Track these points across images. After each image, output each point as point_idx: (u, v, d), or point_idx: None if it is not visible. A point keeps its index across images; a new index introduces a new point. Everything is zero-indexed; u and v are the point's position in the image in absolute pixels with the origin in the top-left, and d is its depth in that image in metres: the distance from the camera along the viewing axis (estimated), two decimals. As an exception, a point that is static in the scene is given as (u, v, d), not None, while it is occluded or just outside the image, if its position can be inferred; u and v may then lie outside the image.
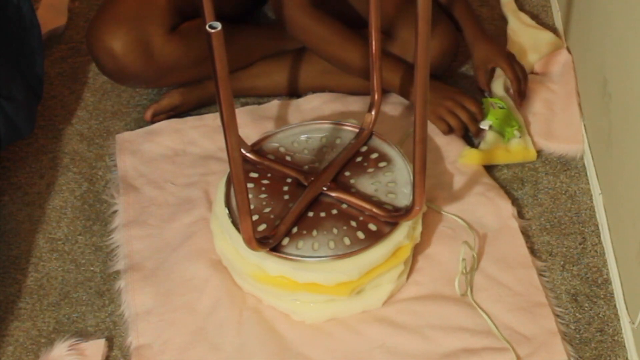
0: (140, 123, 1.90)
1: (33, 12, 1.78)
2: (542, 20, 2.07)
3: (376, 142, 1.67)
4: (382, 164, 1.62)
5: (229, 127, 1.27)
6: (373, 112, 1.68)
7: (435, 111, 1.77)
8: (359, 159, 1.64)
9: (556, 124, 1.83)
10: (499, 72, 1.91)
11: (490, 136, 1.79)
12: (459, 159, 1.76)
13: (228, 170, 1.58)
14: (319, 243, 1.50)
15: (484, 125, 1.80)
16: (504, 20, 2.07)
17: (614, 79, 1.61)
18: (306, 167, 1.63)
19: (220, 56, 1.18)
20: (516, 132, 1.77)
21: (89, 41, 1.77)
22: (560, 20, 2.03)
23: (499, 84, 1.88)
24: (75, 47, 2.05)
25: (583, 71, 1.86)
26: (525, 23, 2.02)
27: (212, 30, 1.16)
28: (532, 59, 1.95)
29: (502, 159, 1.78)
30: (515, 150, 1.78)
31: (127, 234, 1.69)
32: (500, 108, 1.80)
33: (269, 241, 1.49)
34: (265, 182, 1.60)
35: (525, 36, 1.98)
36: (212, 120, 1.87)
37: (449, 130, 1.78)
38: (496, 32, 2.05)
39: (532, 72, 1.94)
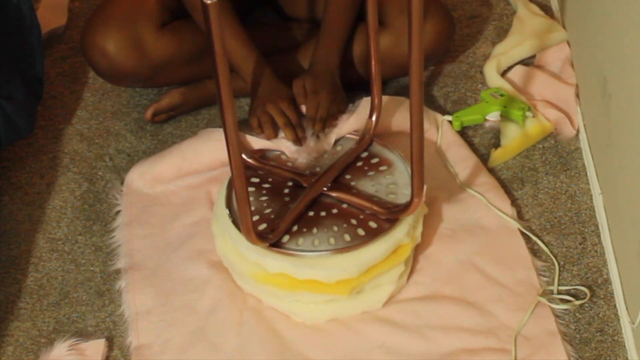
0: (140, 123, 1.90)
1: (33, 12, 1.78)
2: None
3: (377, 148, 1.67)
4: (382, 168, 1.63)
5: (227, 107, 1.24)
6: (374, 118, 1.68)
7: (254, 112, 1.70)
8: (359, 163, 1.64)
9: (552, 100, 1.86)
10: (494, 52, 1.93)
11: (505, 129, 1.79)
12: (489, 164, 1.77)
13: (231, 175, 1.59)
14: (319, 240, 1.50)
15: (493, 117, 1.81)
16: (502, 20, 2.07)
17: (614, 79, 1.61)
18: (307, 171, 1.63)
19: (217, 30, 1.14)
20: (528, 113, 1.79)
21: (83, 45, 1.78)
22: (560, 19, 2.03)
23: (492, 66, 1.90)
24: (75, 47, 2.05)
25: (583, 71, 1.86)
26: (533, 12, 2.02)
27: (209, 2, 1.11)
28: (533, 44, 1.95)
29: (525, 144, 1.79)
30: (533, 131, 1.79)
31: (128, 232, 1.69)
32: (501, 96, 1.82)
33: (269, 236, 1.49)
34: (266, 186, 1.61)
35: (530, 24, 1.99)
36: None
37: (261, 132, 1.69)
38: (495, 31, 2.05)
39: (534, 65, 1.94)
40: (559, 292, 1.58)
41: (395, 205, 1.54)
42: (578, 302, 1.57)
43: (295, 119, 1.68)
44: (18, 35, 1.76)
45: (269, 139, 1.67)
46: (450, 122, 1.84)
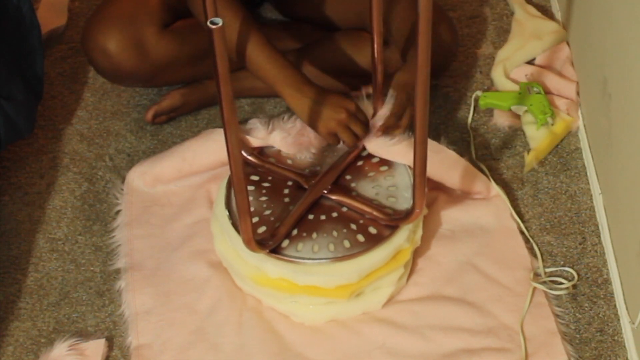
0: (140, 123, 1.90)
1: (33, 12, 1.78)
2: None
3: None
4: (383, 168, 1.62)
5: (229, 123, 1.26)
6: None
7: (326, 125, 1.58)
8: (360, 163, 1.63)
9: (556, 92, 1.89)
10: (498, 58, 1.93)
11: (530, 131, 1.80)
12: (524, 170, 1.77)
13: (229, 174, 1.59)
14: (318, 245, 1.50)
15: (519, 110, 1.81)
16: (502, 20, 2.07)
17: (614, 78, 1.61)
18: (307, 170, 1.63)
19: (221, 52, 1.17)
20: (549, 119, 1.79)
21: (84, 43, 1.78)
22: (560, 20, 2.03)
23: (500, 72, 1.90)
24: (75, 47, 2.05)
25: (583, 71, 1.86)
26: (531, 14, 2.02)
27: (213, 27, 1.14)
28: (534, 47, 1.95)
29: (554, 143, 1.80)
30: (559, 128, 1.80)
31: (128, 232, 1.69)
32: (537, 93, 1.83)
33: (269, 243, 1.49)
34: (266, 184, 1.60)
35: (529, 26, 1.99)
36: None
37: (339, 142, 1.61)
38: (495, 31, 2.05)
39: (533, 64, 1.94)
40: (559, 292, 1.59)
41: (396, 211, 1.54)
42: (570, 284, 1.58)
43: (364, 118, 1.61)
44: (18, 35, 1.76)
45: (350, 146, 1.60)
46: (477, 99, 1.87)
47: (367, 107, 1.65)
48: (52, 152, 1.86)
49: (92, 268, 1.67)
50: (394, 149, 1.60)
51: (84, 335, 1.57)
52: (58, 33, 2.09)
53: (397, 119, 1.62)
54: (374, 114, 1.64)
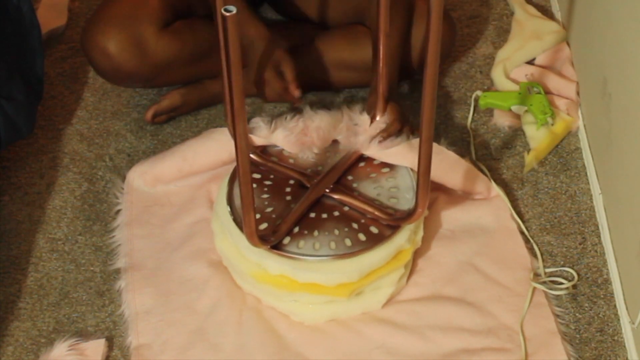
0: (140, 123, 1.90)
1: (33, 12, 1.78)
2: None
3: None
4: (384, 170, 1.62)
5: (239, 113, 1.24)
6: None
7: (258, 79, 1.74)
8: (362, 164, 1.64)
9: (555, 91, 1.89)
10: (498, 58, 1.93)
11: (530, 131, 1.81)
12: (524, 170, 1.77)
13: (231, 172, 1.59)
14: (320, 243, 1.50)
15: (519, 110, 1.82)
16: (502, 20, 2.07)
17: (614, 78, 1.61)
18: (309, 170, 1.63)
19: (235, 41, 1.15)
20: (549, 119, 1.79)
21: (84, 44, 1.78)
22: (560, 20, 2.03)
23: (500, 72, 1.90)
24: (75, 47, 2.05)
25: (583, 71, 1.86)
26: (531, 14, 2.03)
27: (228, 14, 1.12)
28: (534, 47, 1.95)
29: (554, 143, 1.80)
30: (558, 128, 1.80)
31: (128, 232, 1.69)
32: (537, 93, 1.83)
33: (270, 239, 1.49)
34: (267, 183, 1.61)
35: (529, 26, 1.99)
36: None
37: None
38: (495, 31, 2.05)
39: (533, 64, 1.94)
40: (559, 292, 1.59)
41: (397, 211, 1.54)
42: (570, 284, 1.58)
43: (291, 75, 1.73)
44: (18, 35, 1.76)
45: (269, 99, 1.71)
46: (476, 99, 1.88)
47: (362, 119, 1.65)
48: (52, 152, 1.86)
49: (92, 268, 1.67)
50: (391, 151, 1.61)
51: (84, 335, 1.57)
52: (58, 33, 2.09)
53: (388, 135, 1.65)
54: (372, 120, 1.65)
